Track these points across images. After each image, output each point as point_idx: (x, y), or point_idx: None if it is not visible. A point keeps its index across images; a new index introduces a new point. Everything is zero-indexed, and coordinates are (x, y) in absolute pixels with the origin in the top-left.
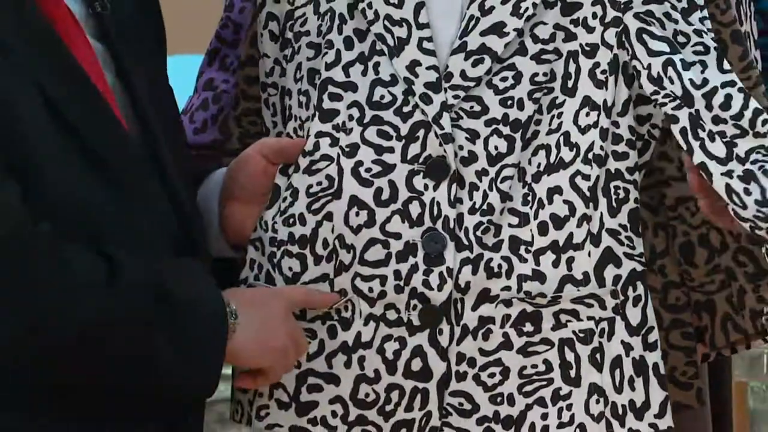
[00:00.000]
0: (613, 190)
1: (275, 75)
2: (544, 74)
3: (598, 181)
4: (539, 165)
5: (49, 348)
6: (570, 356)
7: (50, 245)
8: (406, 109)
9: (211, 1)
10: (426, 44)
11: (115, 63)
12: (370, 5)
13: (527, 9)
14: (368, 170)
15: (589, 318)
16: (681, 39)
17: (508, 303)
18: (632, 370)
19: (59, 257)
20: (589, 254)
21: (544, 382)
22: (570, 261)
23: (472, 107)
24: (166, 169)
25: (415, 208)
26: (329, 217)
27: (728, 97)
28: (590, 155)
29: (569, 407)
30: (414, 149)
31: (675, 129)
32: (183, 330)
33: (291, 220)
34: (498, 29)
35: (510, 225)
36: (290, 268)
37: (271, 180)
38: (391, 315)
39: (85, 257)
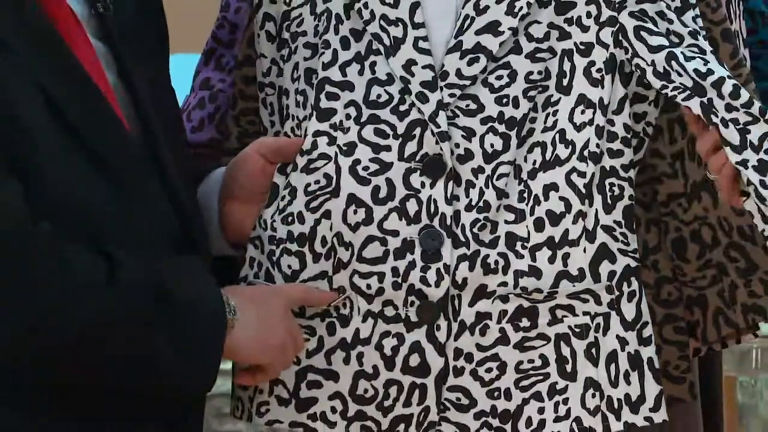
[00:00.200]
0: (608, 187)
1: (272, 75)
2: (539, 72)
3: (593, 178)
4: (535, 162)
5: (49, 348)
6: (566, 351)
7: (50, 245)
8: (402, 108)
9: (209, 0)
10: (422, 43)
11: (117, 63)
12: (366, 5)
13: (522, 8)
14: (366, 168)
15: (585, 313)
16: (674, 39)
17: (504, 299)
18: (627, 364)
19: (59, 257)
20: (585, 250)
21: (541, 377)
22: (565, 257)
23: (467, 105)
24: (166, 168)
25: (412, 206)
26: (327, 215)
27: (736, 87)
28: (586, 152)
29: (565, 401)
30: (411, 147)
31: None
32: (182, 328)
33: (290, 219)
34: (493, 28)
35: (506, 222)
36: (289, 266)
37: (270, 179)
38: (389, 311)
39: (85, 257)
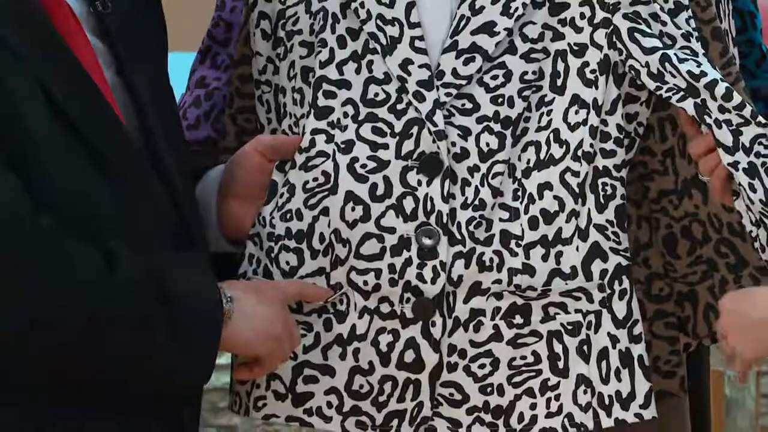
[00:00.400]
0: (600, 187)
1: (268, 73)
2: (533, 72)
3: (586, 177)
4: (529, 161)
5: (50, 342)
6: (558, 348)
7: (51, 238)
8: (399, 107)
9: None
10: (418, 43)
11: (116, 61)
12: (362, 5)
13: (517, 9)
14: (363, 166)
15: (577, 311)
16: (667, 41)
17: (498, 296)
18: (618, 361)
19: (60, 251)
20: (577, 249)
21: (533, 373)
22: (559, 255)
23: (463, 104)
24: (164, 165)
25: (409, 203)
26: (326, 212)
27: (729, 90)
28: (579, 152)
29: (557, 398)
30: (408, 146)
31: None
32: (180, 319)
33: (288, 216)
34: (488, 28)
35: (501, 220)
36: (287, 263)
37: (268, 176)
38: (385, 308)
39: (85, 251)
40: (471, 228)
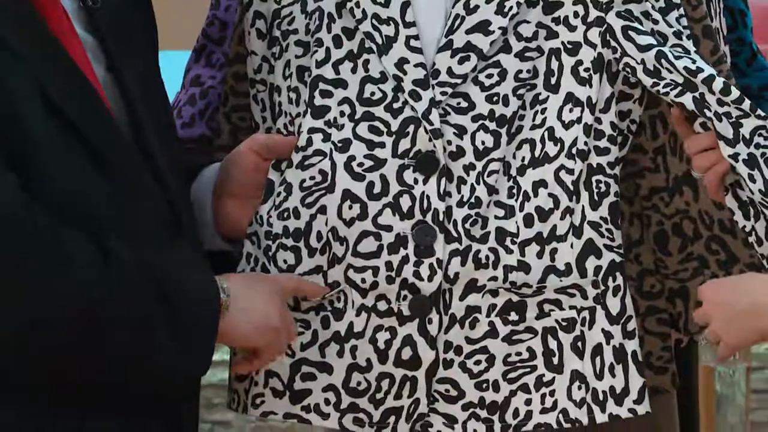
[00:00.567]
0: (594, 184)
1: (263, 72)
2: (528, 71)
3: (580, 175)
4: (524, 159)
5: (50, 342)
6: (553, 344)
7: (51, 238)
8: (396, 106)
9: None
10: (413, 42)
11: (106, 57)
12: (357, 4)
13: (511, 8)
14: (360, 165)
15: (572, 307)
16: (659, 39)
17: (494, 293)
18: (612, 357)
19: (60, 251)
20: (572, 246)
21: (528, 369)
22: (553, 252)
23: (459, 103)
24: (156, 162)
25: (405, 202)
26: (323, 210)
27: (726, 84)
28: (574, 150)
29: (552, 393)
30: (404, 144)
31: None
32: (178, 312)
33: (285, 214)
34: (483, 28)
35: (496, 217)
36: (285, 261)
37: (264, 175)
38: (382, 306)
39: (85, 250)
40: (467, 226)
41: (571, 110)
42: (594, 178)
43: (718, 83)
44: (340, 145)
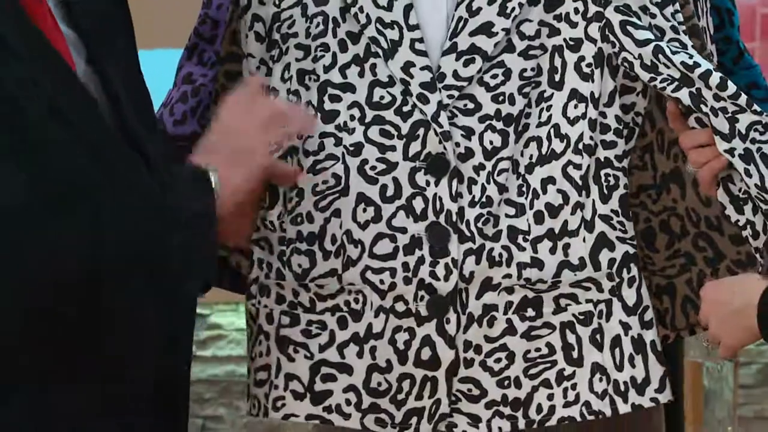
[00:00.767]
0: (603, 178)
1: (260, 74)
2: (532, 69)
3: (588, 169)
4: (531, 156)
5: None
6: (571, 338)
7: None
8: (405, 109)
9: None
10: (418, 45)
11: (87, 50)
12: (361, 9)
13: (513, 9)
14: (373, 168)
15: (588, 301)
16: (656, 33)
17: (509, 290)
18: (631, 348)
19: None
20: (584, 240)
21: (548, 364)
22: (566, 247)
23: (465, 105)
24: (148, 152)
25: (418, 204)
26: (337, 213)
27: (723, 79)
28: (580, 145)
29: (573, 387)
30: (415, 147)
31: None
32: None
33: (299, 219)
34: (486, 29)
35: (507, 215)
36: (299, 265)
37: (260, 193)
38: (400, 307)
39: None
40: (479, 225)
41: (575, 106)
42: (602, 172)
43: (715, 78)
44: (352, 148)
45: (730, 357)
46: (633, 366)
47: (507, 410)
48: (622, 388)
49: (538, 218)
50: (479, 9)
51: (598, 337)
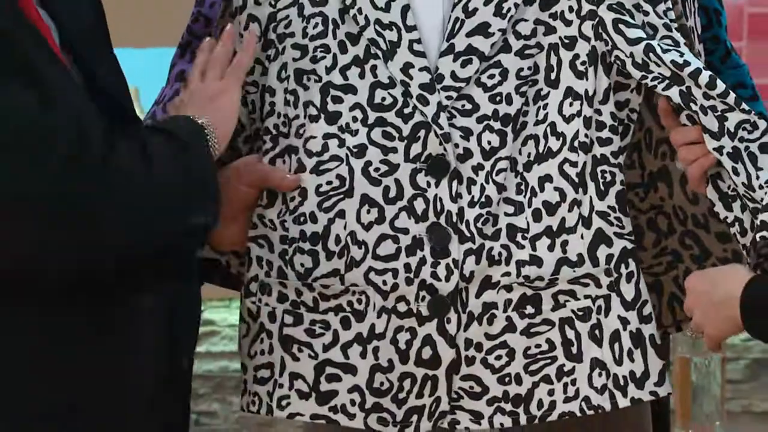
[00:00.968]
0: (600, 175)
1: (256, 74)
2: (529, 68)
3: (585, 167)
4: (529, 155)
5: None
6: (571, 334)
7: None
8: (406, 111)
9: None
10: (416, 46)
11: (60, 32)
12: (360, 11)
13: (509, 9)
14: (377, 170)
15: (586, 297)
16: (649, 31)
17: (509, 288)
18: (630, 342)
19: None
20: (582, 236)
21: (548, 360)
22: (564, 244)
23: (463, 106)
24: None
25: (420, 205)
26: (341, 214)
27: (712, 78)
28: (576, 143)
29: (573, 382)
30: (416, 149)
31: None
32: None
33: (302, 219)
34: (483, 30)
35: (506, 214)
36: (302, 264)
37: (254, 199)
38: (402, 307)
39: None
40: (479, 225)
41: (571, 104)
42: (599, 169)
43: (704, 77)
44: (355, 150)
45: (715, 348)
46: (632, 360)
47: (508, 406)
48: (622, 382)
49: (537, 216)
50: (475, 10)
51: (597, 332)
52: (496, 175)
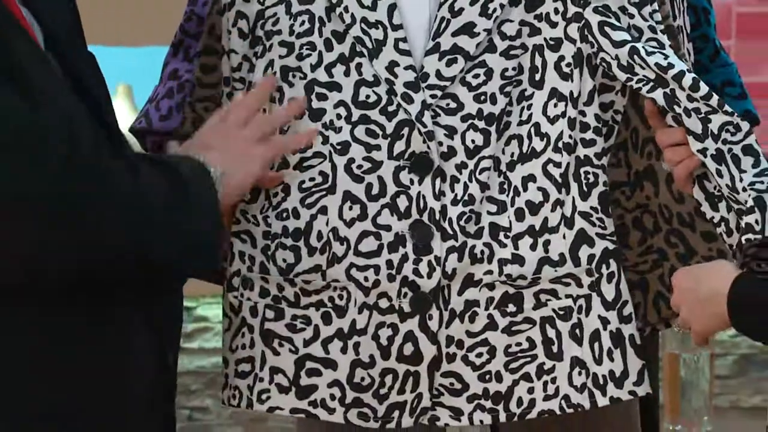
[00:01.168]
0: (583, 176)
1: (243, 70)
2: (513, 68)
3: (568, 167)
4: (512, 154)
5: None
6: (551, 333)
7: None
8: (390, 109)
9: None
10: (402, 45)
11: (41, 27)
12: (346, 9)
13: (495, 9)
14: (359, 167)
15: (567, 296)
16: (634, 33)
17: (491, 286)
18: (610, 342)
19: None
20: (564, 236)
21: (529, 359)
22: (546, 244)
23: (448, 104)
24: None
25: (402, 202)
26: (324, 210)
27: (696, 80)
28: (560, 144)
29: (553, 380)
30: (399, 146)
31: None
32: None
33: (284, 214)
34: (469, 30)
35: (489, 213)
36: (284, 260)
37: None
38: (383, 303)
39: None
40: (462, 223)
41: (555, 105)
42: (582, 170)
43: (688, 79)
44: (339, 147)
45: (701, 343)
46: (612, 360)
47: (488, 404)
48: (601, 381)
49: (519, 215)
50: (461, 9)
51: (577, 331)
52: (480, 173)
